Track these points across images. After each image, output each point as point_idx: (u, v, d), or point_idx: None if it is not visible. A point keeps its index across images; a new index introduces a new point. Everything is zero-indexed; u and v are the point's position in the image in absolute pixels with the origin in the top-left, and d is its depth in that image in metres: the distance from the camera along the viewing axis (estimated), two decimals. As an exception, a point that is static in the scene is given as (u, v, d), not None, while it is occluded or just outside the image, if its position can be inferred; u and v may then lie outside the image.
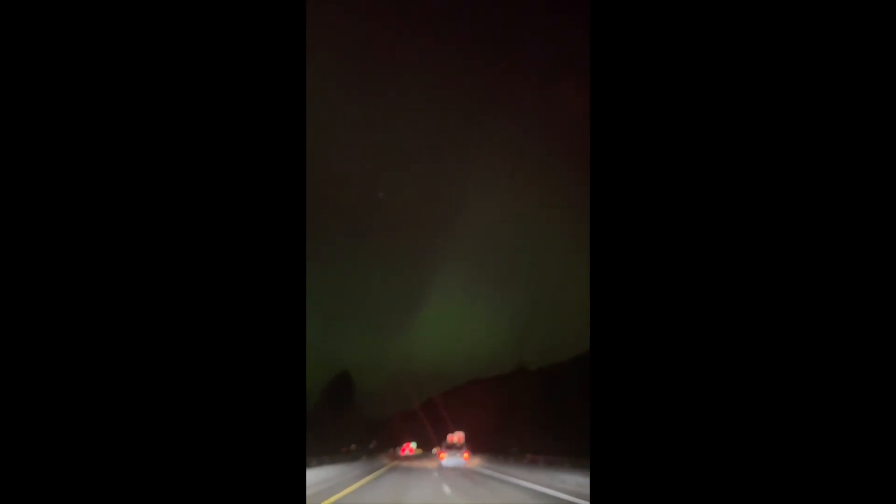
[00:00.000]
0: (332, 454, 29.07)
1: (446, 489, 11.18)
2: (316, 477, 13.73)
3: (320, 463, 19.85)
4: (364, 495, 10.24)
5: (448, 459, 27.16)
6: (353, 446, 47.00)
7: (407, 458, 41.89)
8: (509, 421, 41.96)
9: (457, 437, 37.22)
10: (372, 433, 57.76)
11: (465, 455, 28.63)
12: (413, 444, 55.26)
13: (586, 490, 9.44)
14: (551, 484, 11.73)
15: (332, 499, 9.39)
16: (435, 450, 30.27)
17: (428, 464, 27.62)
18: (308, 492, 10.56)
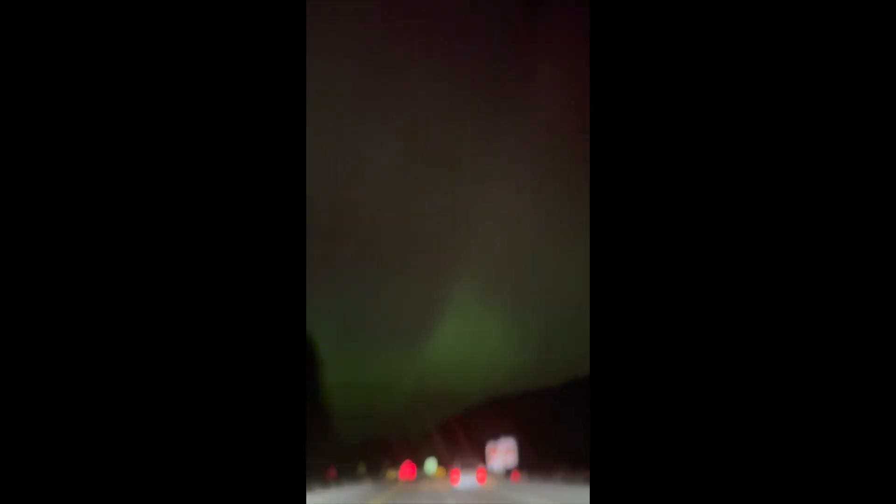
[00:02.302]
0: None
1: None
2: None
3: None
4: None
5: (464, 482, 23.06)
6: (362, 466, 42.36)
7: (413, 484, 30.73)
8: (542, 436, 37.18)
9: (503, 448, 28.72)
10: (384, 454, 53.61)
11: (481, 473, 24.43)
12: (431, 463, 46.05)
13: None
14: None
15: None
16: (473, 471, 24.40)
17: None
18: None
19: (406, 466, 43.94)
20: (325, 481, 24.09)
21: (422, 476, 42.95)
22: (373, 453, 51.28)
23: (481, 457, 34.12)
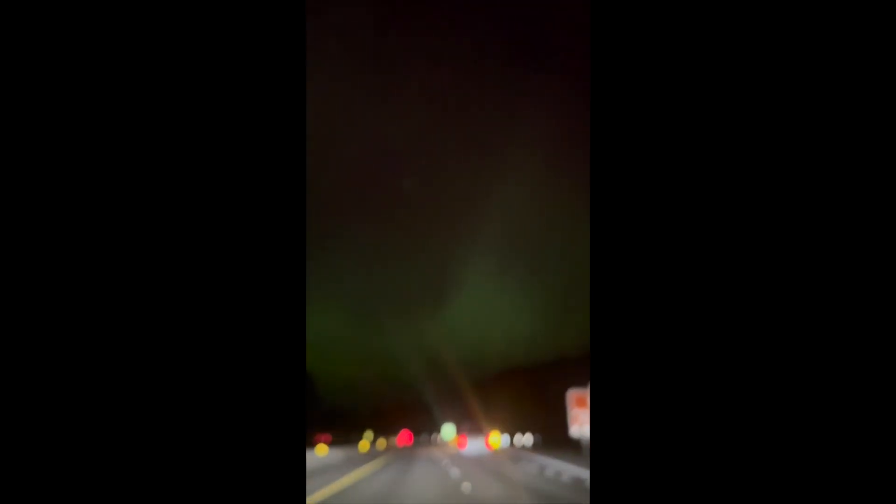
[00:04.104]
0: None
1: None
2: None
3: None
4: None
5: (471, 447, 21.91)
6: (368, 433, 41.34)
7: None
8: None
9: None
10: (394, 422, 52.55)
11: (490, 439, 23.11)
12: (449, 429, 43.80)
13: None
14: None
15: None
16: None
17: None
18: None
19: (403, 434, 43.55)
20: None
21: (418, 443, 42.36)
22: (382, 421, 50.55)
23: (561, 416, 30.03)
